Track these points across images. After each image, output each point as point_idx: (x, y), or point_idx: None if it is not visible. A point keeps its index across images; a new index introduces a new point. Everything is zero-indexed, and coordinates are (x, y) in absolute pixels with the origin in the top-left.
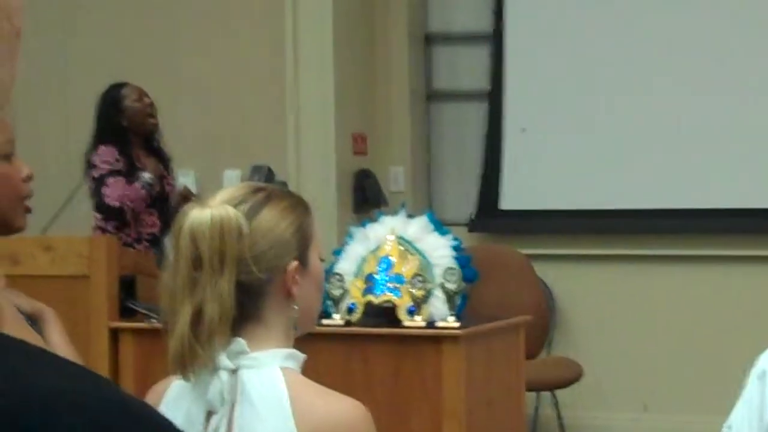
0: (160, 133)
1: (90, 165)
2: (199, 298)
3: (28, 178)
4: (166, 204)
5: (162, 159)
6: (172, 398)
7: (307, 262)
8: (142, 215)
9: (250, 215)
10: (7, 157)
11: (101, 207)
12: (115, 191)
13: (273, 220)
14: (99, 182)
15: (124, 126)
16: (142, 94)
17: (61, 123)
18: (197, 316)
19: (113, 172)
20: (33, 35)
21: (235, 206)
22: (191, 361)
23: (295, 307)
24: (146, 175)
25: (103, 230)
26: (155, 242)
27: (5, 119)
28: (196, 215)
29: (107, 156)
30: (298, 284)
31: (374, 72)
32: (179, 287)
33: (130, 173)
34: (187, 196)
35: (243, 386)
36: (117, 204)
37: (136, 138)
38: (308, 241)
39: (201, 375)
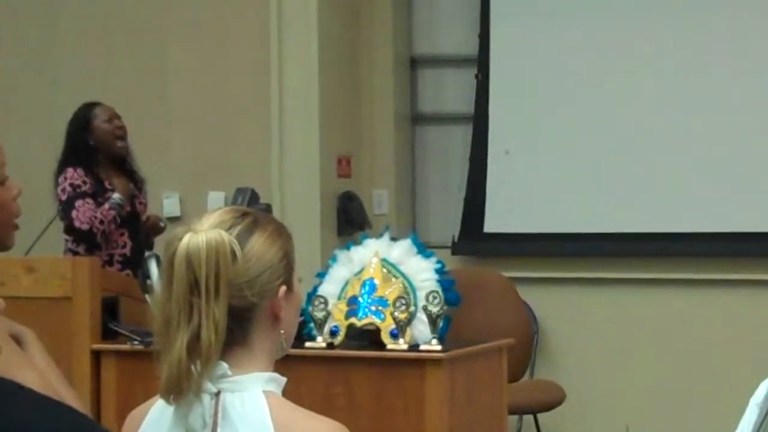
0: (132, 156)
1: (58, 187)
2: (196, 324)
3: (18, 196)
4: (137, 223)
5: (134, 180)
6: (153, 421)
7: (292, 286)
8: (112, 235)
9: (242, 240)
10: (2, 182)
11: (71, 230)
12: (84, 214)
13: (264, 245)
14: (68, 205)
15: (91, 145)
16: (113, 116)
17: (45, 145)
18: (194, 341)
19: (81, 194)
20: (18, 56)
21: (226, 231)
22: (187, 385)
23: (282, 332)
24: (116, 196)
25: (74, 252)
26: (127, 263)
27: None
28: (191, 240)
29: (74, 178)
30: (284, 308)
31: (359, 95)
32: (175, 313)
33: (98, 194)
34: (156, 226)
35: (225, 409)
36: (87, 227)
37: (105, 158)
38: (292, 265)
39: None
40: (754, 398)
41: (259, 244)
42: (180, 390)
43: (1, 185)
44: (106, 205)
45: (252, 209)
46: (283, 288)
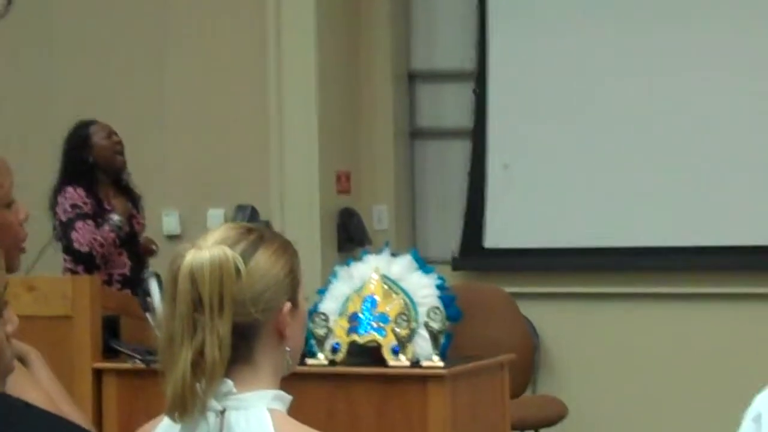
0: (128, 172)
1: (57, 206)
2: (200, 341)
3: (25, 220)
4: (135, 243)
5: (131, 197)
6: None
7: (297, 302)
8: (112, 256)
9: (246, 256)
10: (9, 204)
11: (70, 251)
12: (84, 236)
13: (269, 261)
14: (67, 226)
15: (91, 163)
16: (111, 132)
17: (44, 164)
18: (198, 359)
19: (81, 216)
20: (14, 73)
21: (230, 247)
22: (192, 403)
23: (288, 349)
24: (115, 218)
25: (73, 272)
26: (126, 283)
27: (8, 165)
28: (195, 257)
29: (75, 198)
30: (289, 325)
31: (358, 110)
32: (178, 330)
33: (98, 215)
34: (148, 248)
35: (230, 427)
36: (87, 249)
37: (104, 176)
38: (298, 282)
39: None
40: (749, 412)
41: (263, 260)
42: (185, 408)
43: (7, 208)
44: (106, 227)
45: (258, 226)
46: (288, 305)
